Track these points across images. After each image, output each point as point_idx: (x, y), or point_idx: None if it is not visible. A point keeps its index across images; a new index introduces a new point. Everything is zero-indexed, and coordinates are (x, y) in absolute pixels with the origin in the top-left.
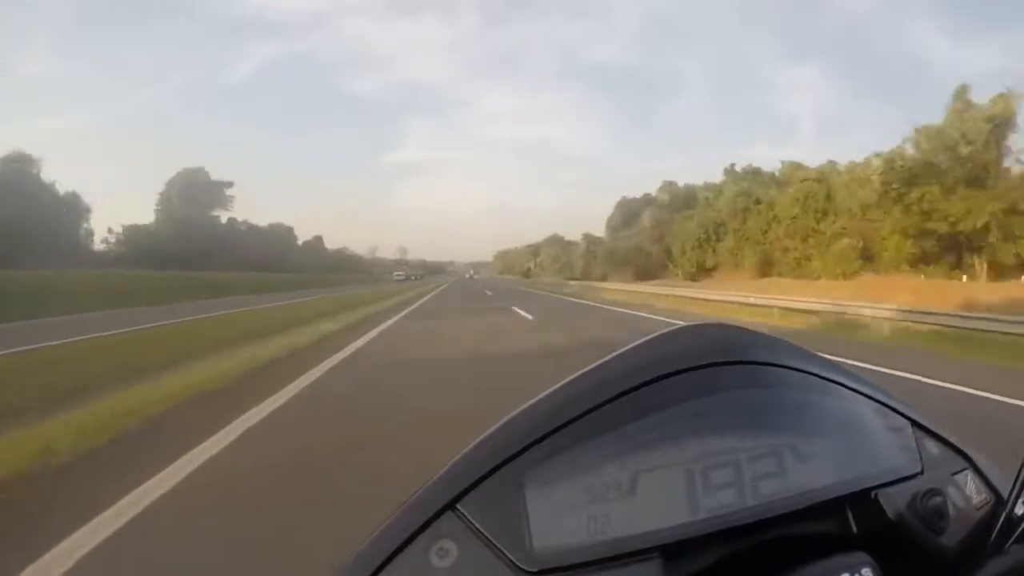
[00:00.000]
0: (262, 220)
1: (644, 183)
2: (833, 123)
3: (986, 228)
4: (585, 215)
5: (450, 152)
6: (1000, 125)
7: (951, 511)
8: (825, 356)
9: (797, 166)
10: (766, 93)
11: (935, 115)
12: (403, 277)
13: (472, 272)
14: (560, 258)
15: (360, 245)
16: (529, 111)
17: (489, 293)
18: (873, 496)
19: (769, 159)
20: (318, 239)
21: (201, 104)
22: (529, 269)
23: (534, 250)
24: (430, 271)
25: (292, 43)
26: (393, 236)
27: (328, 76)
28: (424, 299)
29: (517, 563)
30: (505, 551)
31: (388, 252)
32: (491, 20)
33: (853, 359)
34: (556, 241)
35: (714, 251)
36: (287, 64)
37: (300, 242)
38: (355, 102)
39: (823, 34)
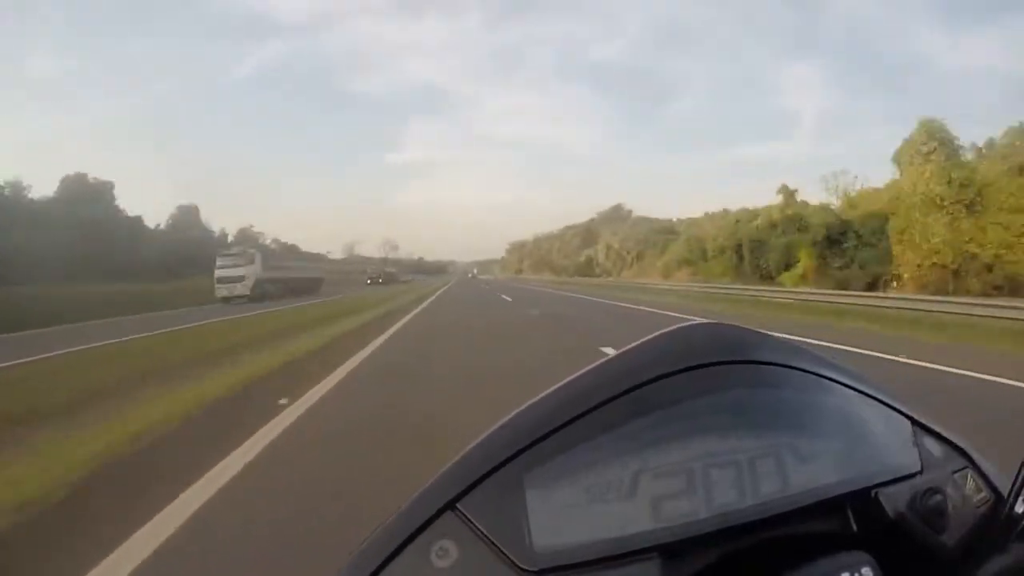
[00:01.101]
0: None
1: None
2: (836, 120)
3: None
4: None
5: (450, 150)
6: None
7: (951, 509)
8: (825, 355)
9: None
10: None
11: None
12: (226, 291)
13: (475, 271)
14: (648, 240)
15: (338, 242)
16: (532, 108)
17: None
18: (873, 495)
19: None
20: (190, 211)
21: (182, 97)
22: (590, 262)
23: (584, 233)
24: (423, 271)
25: (287, 40)
26: (392, 235)
27: (318, 71)
28: None
29: (517, 563)
30: (505, 551)
31: (373, 250)
32: (487, 17)
33: None
34: (616, 216)
35: None
36: (277, 57)
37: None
38: (347, 100)
39: (825, 31)
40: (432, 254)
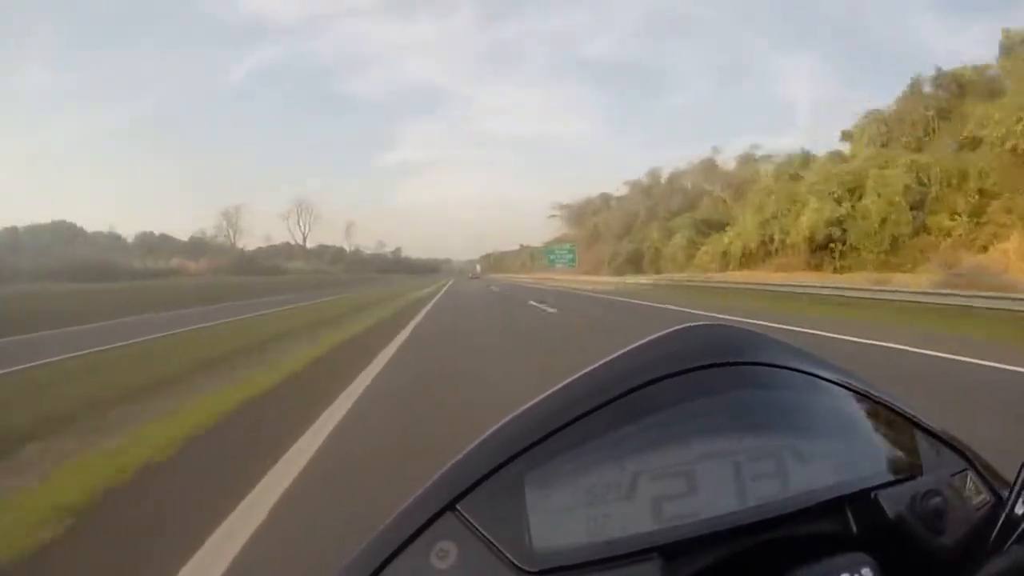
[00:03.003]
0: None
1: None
2: (832, 109)
3: None
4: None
5: (444, 147)
6: None
7: (951, 511)
8: (826, 357)
9: None
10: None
11: None
12: None
13: (478, 268)
14: None
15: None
16: (525, 102)
17: None
18: (873, 496)
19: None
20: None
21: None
22: None
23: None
24: (413, 271)
25: (275, 41)
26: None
27: (308, 71)
28: None
29: (517, 563)
30: (505, 552)
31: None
32: (478, 14)
33: None
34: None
35: None
36: (270, 60)
37: None
38: (335, 99)
39: (819, 19)
40: (429, 252)
